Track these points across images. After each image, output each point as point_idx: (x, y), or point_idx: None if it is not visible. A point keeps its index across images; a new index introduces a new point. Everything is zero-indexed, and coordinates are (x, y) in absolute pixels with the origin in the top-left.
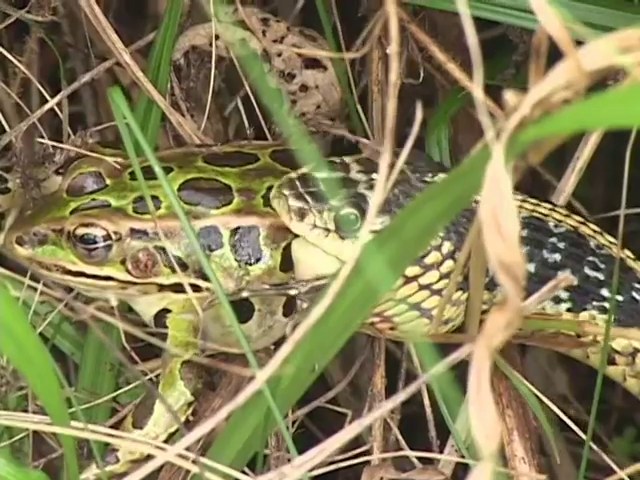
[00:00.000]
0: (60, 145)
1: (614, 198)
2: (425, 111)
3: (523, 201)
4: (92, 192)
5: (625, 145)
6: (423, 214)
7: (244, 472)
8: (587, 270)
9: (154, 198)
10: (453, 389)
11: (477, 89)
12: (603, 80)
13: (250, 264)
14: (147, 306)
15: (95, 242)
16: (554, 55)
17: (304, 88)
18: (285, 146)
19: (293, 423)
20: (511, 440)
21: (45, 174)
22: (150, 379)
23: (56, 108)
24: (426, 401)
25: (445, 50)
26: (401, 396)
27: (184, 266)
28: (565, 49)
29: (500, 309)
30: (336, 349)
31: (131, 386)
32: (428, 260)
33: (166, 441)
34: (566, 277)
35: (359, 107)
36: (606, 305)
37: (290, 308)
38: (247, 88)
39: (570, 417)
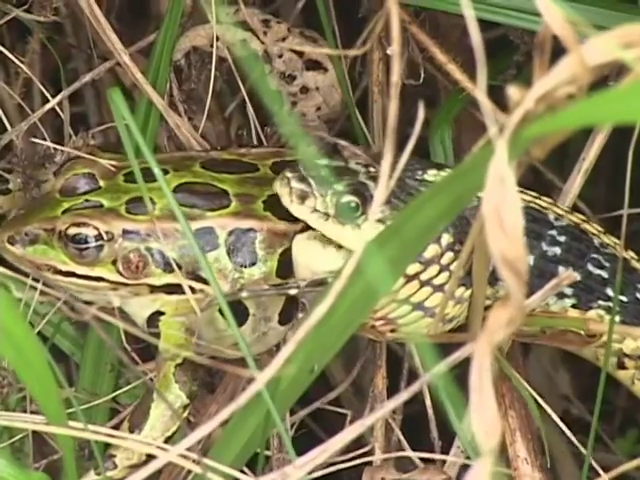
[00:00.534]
0: (60, 148)
1: (616, 199)
2: (427, 112)
3: (521, 192)
4: (85, 193)
5: (627, 145)
6: (424, 213)
7: (245, 473)
8: (590, 267)
9: (149, 199)
10: (455, 388)
11: (481, 89)
12: (604, 79)
13: (245, 267)
14: (139, 308)
15: (86, 242)
16: (554, 55)
17: (305, 90)
18: (286, 157)
19: (295, 424)
20: (514, 441)
21: (46, 175)
22: (151, 379)
23: (57, 108)
24: (428, 401)
25: (447, 51)
26: (403, 396)
27: (177, 267)
28: (568, 44)
29: (502, 305)
30: (336, 349)
31: (131, 386)
32: (427, 254)
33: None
34: (569, 275)
35: (359, 108)
36: (612, 305)
37: (287, 316)
38: (243, 91)
39: (573, 417)
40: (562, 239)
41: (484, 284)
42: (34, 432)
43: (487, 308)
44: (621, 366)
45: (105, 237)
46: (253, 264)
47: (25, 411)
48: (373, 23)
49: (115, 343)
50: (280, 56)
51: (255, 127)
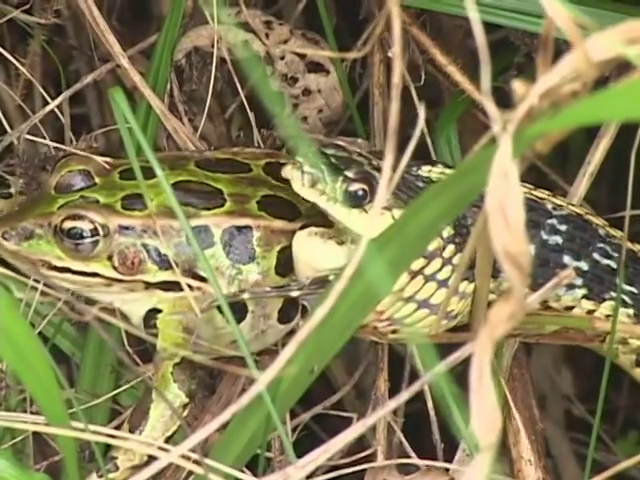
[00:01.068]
0: (62, 146)
1: (618, 201)
2: (429, 113)
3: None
4: (80, 190)
5: (629, 147)
6: (427, 212)
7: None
8: (597, 256)
9: (144, 197)
10: (455, 388)
11: (485, 90)
12: (606, 80)
13: (243, 264)
14: (135, 305)
15: (82, 237)
16: (556, 57)
17: (307, 92)
18: (278, 159)
19: (297, 426)
20: (517, 442)
21: (47, 176)
22: (151, 379)
23: (57, 110)
24: (429, 403)
25: (448, 53)
26: (404, 396)
27: (173, 265)
28: (573, 39)
29: (504, 299)
30: (337, 350)
31: (129, 385)
32: (430, 247)
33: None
34: (569, 273)
35: (360, 110)
36: (626, 299)
37: (286, 314)
38: (241, 94)
39: (575, 417)
40: (563, 228)
41: (487, 278)
42: (35, 433)
43: (490, 302)
44: (639, 364)
45: (101, 232)
46: (251, 260)
47: (26, 412)
48: (374, 25)
49: (116, 344)
50: (282, 58)
51: (255, 128)
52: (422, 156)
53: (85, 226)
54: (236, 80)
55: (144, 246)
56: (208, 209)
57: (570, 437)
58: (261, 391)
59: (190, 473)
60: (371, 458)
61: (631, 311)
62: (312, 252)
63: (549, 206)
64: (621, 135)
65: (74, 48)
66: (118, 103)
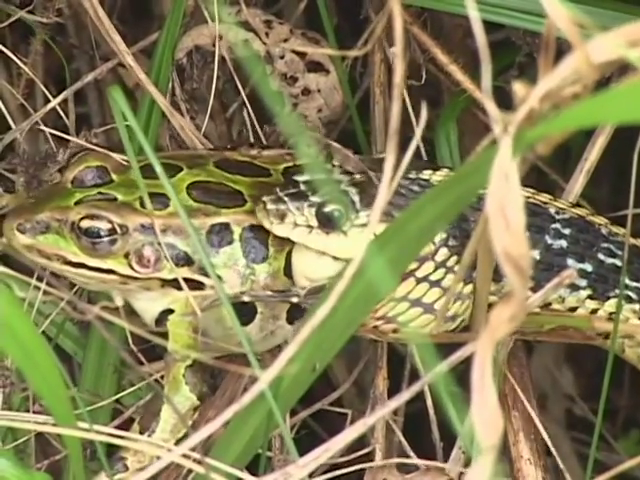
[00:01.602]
0: (67, 137)
1: (619, 200)
2: (430, 113)
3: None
4: (97, 185)
5: (630, 145)
6: (425, 214)
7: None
8: (602, 256)
9: (162, 195)
10: (455, 388)
11: (486, 90)
12: (607, 81)
13: (257, 263)
14: (149, 303)
15: (99, 236)
16: (558, 57)
17: (306, 92)
18: (297, 161)
19: (297, 425)
20: (517, 441)
21: (48, 174)
22: (156, 380)
23: (58, 108)
24: (429, 402)
25: (449, 52)
26: (404, 396)
27: (190, 262)
28: (573, 41)
29: (505, 302)
30: (338, 349)
31: (135, 388)
32: (421, 252)
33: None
34: (570, 273)
35: (361, 109)
36: (630, 294)
37: (294, 315)
38: (242, 94)
39: (576, 417)
40: (567, 232)
41: (488, 281)
42: (37, 432)
43: (492, 305)
44: None
45: (119, 231)
46: (264, 260)
47: (29, 411)
48: (374, 24)
49: (118, 343)
50: (282, 57)
51: (255, 127)
52: (420, 156)
53: (103, 226)
54: (237, 80)
55: (162, 244)
56: (228, 208)
57: (571, 436)
58: (263, 389)
59: (191, 471)
60: (370, 456)
61: (637, 306)
62: (307, 263)
63: (552, 210)
64: (622, 134)
65: (75, 47)
66: (117, 101)
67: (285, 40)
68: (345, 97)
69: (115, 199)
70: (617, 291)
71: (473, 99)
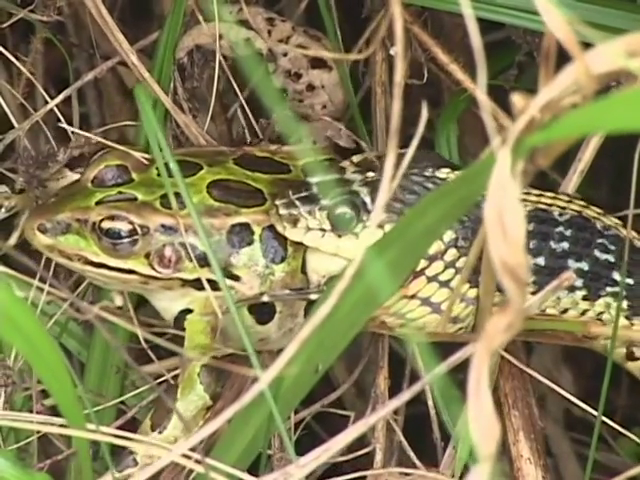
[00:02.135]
0: (81, 132)
1: (619, 200)
2: (430, 112)
3: (527, 194)
4: (118, 185)
5: (629, 146)
6: (428, 216)
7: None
8: (597, 253)
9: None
10: (452, 389)
11: (481, 91)
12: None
13: (276, 263)
14: (170, 302)
15: (120, 237)
16: (560, 57)
17: (310, 87)
18: (317, 157)
19: (297, 424)
20: (517, 440)
21: (48, 173)
22: (164, 381)
23: (55, 109)
24: (430, 402)
25: (449, 51)
26: (405, 396)
27: (210, 263)
28: (573, 52)
29: (502, 310)
30: (340, 350)
31: (139, 390)
32: (431, 250)
33: None
34: (569, 276)
35: (362, 108)
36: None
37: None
38: (239, 94)
39: (576, 417)
40: (568, 233)
41: (492, 289)
42: (39, 432)
43: None
44: (630, 357)
45: (140, 232)
46: (282, 260)
47: (31, 411)
48: (376, 23)
49: (120, 343)
50: (285, 54)
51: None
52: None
53: (124, 227)
54: (235, 80)
55: (182, 244)
56: (248, 207)
57: (570, 436)
58: (263, 390)
59: (191, 471)
60: (370, 456)
61: (625, 304)
62: (318, 260)
63: (556, 213)
64: (620, 135)
65: (75, 46)
66: (143, 102)
67: (288, 38)
68: (347, 95)
69: (135, 199)
70: (608, 289)
71: (473, 98)
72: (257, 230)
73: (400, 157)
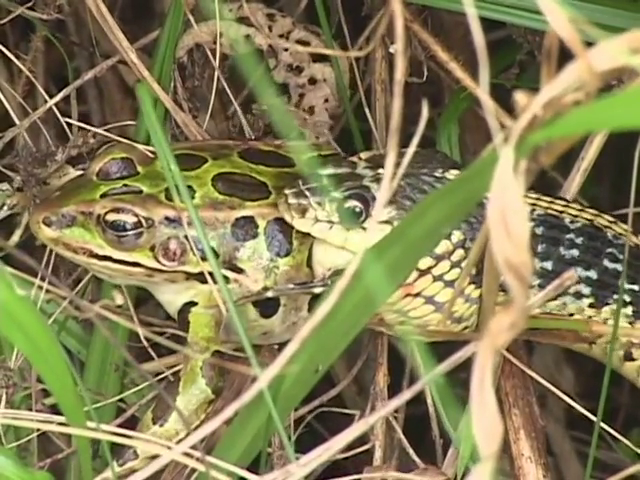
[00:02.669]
0: (84, 125)
1: (621, 198)
2: (431, 110)
3: (537, 199)
4: (123, 178)
5: (632, 144)
6: (429, 216)
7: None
8: (606, 262)
9: (188, 187)
10: (450, 390)
11: (483, 89)
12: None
13: (281, 256)
14: (174, 295)
15: (125, 229)
16: (563, 55)
17: (312, 81)
18: (321, 152)
19: (298, 422)
20: (517, 439)
21: (47, 172)
22: (164, 379)
23: (54, 108)
24: (429, 400)
25: (450, 49)
26: (405, 395)
27: (215, 256)
28: (575, 50)
29: (506, 309)
30: (341, 349)
31: (138, 388)
32: (439, 250)
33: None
34: (570, 276)
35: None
36: (626, 297)
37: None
38: (230, 94)
39: (577, 415)
40: (579, 241)
41: (495, 289)
42: (39, 431)
43: None
44: (628, 357)
45: (145, 224)
46: (287, 254)
47: (31, 410)
48: (376, 21)
49: (120, 341)
50: (286, 49)
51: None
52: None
53: (129, 219)
54: (235, 78)
55: (187, 237)
56: (253, 200)
57: (571, 435)
58: (263, 389)
59: (194, 469)
60: (370, 453)
61: (629, 310)
62: (326, 255)
63: (567, 220)
64: (623, 133)
65: (75, 44)
66: (144, 100)
67: (288, 33)
68: (348, 91)
69: (140, 191)
70: (615, 297)
71: (474, 97)
72: (262, 223)
73: (402, 156)
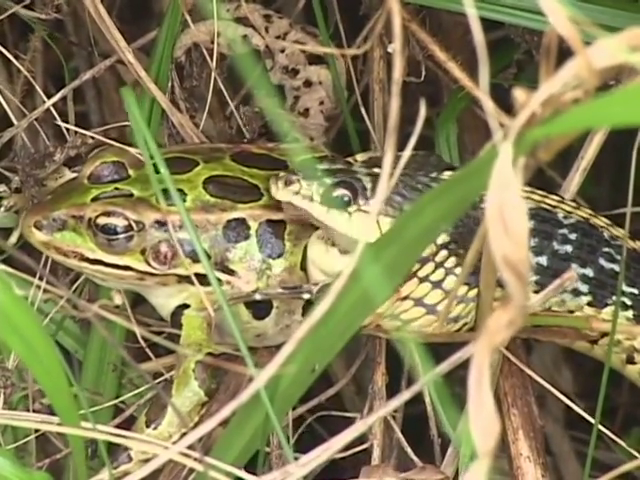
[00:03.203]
0: (80, 130)
1: (619, 197)
2: (429, 110)
3: (531, 192)
4: (114, 181)
5: (630, 143)
6: (426, 215)
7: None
8: (602, 261)
9: (179, 191)
10: (449, 389)
11: (483, 89)
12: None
13: (273, 258)
14: (166, 298)
15: (116, 232)
16: (561, 54)
17: (308, 83)
18: (315, 154)
19: (297, 422)
20: (516, 439)
21: (45, 173)
22: (165, 379)
23: (52, 109)
24: (427, 399)
25: (448, 49)
26: (404, 395)
27: (207, 258)
28: (575, 47)
29: (504, 307)
30: (337, 350)
31: (137, 391)
32: (424, 253)
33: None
34: (570, 276)
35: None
36: (626, 301)
37: (310, 309)
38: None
39: (575, 415)
40: (573, 237)
41: (492, 286)
42: (36, 431)
43: None
44: (630, 361)
45: (135, 227)
46: (280, 255)
47: (28, 410)
48: (374, 21)
49: (118, 341)
50: (282, 51)
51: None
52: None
53: (119, 222)
54: (232, 77)
55: (178, 240)
56: (245, 202)
57: (570, 435)
58: (260, 389)
59: (191, 471)
60: (368, 452)
61: (630, 313)
62: (321, 257)
63: (560, 215)
64: (623, 130)
65: (74, 44)
66: (129, 102)
67: (285, 34)
68: (345, 92)
69: (131, 195)
70: (614, 298)
71: (472, 96)
72: (253, 225)
73: (399, 159)
